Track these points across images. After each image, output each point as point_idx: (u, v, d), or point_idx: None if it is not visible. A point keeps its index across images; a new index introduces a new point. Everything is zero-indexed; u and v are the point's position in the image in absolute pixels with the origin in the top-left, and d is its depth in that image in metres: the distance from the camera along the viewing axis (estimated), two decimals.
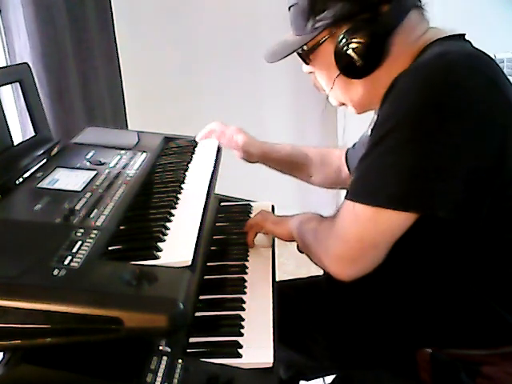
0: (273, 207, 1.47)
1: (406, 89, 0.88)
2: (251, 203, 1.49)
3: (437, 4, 2.51)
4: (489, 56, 0.93)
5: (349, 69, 0.98)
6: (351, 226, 0.91)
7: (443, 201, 0.85)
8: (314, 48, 1.02)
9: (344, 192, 0.97)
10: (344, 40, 0.96)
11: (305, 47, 1.03)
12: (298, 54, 1.05)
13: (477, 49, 0.95)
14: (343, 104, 1.10)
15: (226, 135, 1.42)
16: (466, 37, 1.00)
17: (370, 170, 0.91)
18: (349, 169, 1.38)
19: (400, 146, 0.87)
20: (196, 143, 1.41)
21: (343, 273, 0.93)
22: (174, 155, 1.33)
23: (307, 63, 1.06)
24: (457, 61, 0.88)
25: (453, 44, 0.96)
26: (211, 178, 1.19)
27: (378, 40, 0.95)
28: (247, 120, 2.56)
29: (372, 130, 0.94)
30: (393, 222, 0.88)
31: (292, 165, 1.46)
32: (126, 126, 2.37)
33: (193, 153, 1.34)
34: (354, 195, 0.92)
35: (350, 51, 0.95)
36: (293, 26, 1.05)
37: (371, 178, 0.90)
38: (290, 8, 1.04)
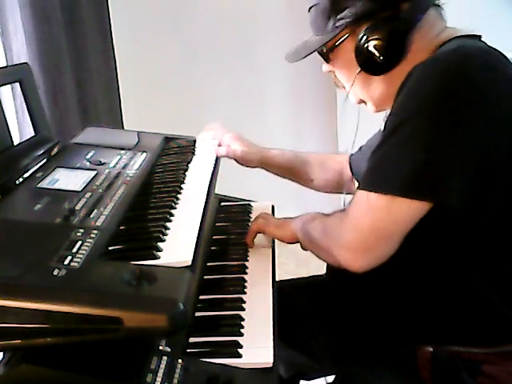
0: (273, 207, 1.47)
1: (421, 80, 0.90)
2: (251, 203, 1.49)
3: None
4: (504, 55, 0.95)
5: (369, 65, 1.00)
6: (365, 215, 0.91)
7: (456, 189, 0.86)
8: (335, 46, 1.04)
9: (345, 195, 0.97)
10: (365, 37, 0.98)
11: (326, 46, 1.05)
12: (319, 53, 1.07)
13: (492, 47, 0.97)
14: (362, 101, 1.12)
15: (222, 145, 1.39)
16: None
17: (383, 159, 0.91)
18: (352, 173, 1.38)
19: (413, 136, 0.88)
20: (196, 143, 1.40)
21: (356, 264, 0.92)
22: (174, 155, 1.33)
23: (328, 62, 1.08)
24: (472, 55, 0.90)
25: (469, 41, 0.98)
26: (211, 178, 1.19)
27: (399, 37, 0.97)
28: (246, 121, 2.56)
29: (385, 123, 0.95)
30: (406, 211, 0.88)
31: (292, 170, 1.46)
32: (122, 126, 2.37)
33: (193, 153, 1.34)
34: (368, 185, 0.92)
35: (370, 48, 0.98)
36: (313, 27, 1.07)
37: (385, 167, 0.91)
38: (310, 9, 1.07)
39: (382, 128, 1.04)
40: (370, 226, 0.90)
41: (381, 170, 0.91)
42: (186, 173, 1.20)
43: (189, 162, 1.27)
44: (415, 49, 0.99)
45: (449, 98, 0.86)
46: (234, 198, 1.53)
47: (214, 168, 1.26)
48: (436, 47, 0.99)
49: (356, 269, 0.92)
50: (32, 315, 0.71)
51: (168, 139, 1.43)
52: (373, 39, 0.97)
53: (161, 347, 0.87)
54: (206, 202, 1.06)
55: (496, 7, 2.71)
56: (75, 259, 0.78)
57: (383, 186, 0.89)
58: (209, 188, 1.13)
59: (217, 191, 1.28)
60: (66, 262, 0.77)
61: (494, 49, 0.96)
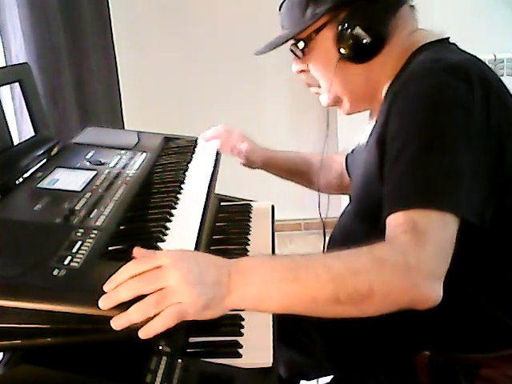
0: (273, 207, 1.47)
1: (412, 99, 0.89)
2: (251, 203, 1.49)
3: (437, 4, 2.52)
4: (479, 58, 0.96)
5: (352, 51, 0.99)
6: (442, 235, 0.80)
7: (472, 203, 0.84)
8: (312, 36, 1.03)
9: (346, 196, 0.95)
10: (348, 21, 0.98)
11: (302, 35, 1.03)
12: (293, 47, 1.06)
13: (466, 52, 0.98)
14: (334, 104, 1.11)
15: (229, 143, 1.40)
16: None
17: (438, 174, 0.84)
18: (349, 174, 1.37)
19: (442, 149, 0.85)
20: (196, 143, 1.41)
21: (437, 294, 0.78)
22: (174, 155, 1.33)
23: (303, 54, 1.06)
24: (460, 66, 0.90)
25: (444, 51, 0.98)
26: (211, 178, 1.19)
27: (382, 22, 0.98)
28: (247, 119, 2.55)
29: (379, 136, 0.94)
30: (455, 228, 0.82)
31: (294, 171, 1.46)
32: (123, 126, 2.37)
33: (193, 153, 1.34)
34: (420, 202, 0.81)
35: (354, 32, 0.97)
36: (287, 21, 1.06)
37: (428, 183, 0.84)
38: (281, 5, 1.06)
39: (365, 141, 1.04)
40: (444, 246, 0.80)
41: (426, 185, 0.83)
42: (186, 173, 1.20)
43: (189, 162, 1.27)
44: (393, 41, 0.99)
45: (442, 109, 0.86)
46: (234, 198, 1.53)
47: (214, 168, 1.26)
48: (407, 53, 0.99)
49: (435, 300, 0.78)
50: (32, 315, 0.71)
51: (168, 139, 1.43)
52: (357, 23, 0.97)
53: (160, 347, 0.87)
54: (206, 202, 1.06)
55: (496, 7, 2.71)
56: (75, 259, 0.78)
57: (439, 202, 0.81)
58: (209, 188, 1.13)
59: (217, 191, 1.28)
60: (66, 262, 0.77)
61: (468, 53, 0.97)
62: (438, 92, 0.87)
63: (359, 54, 1.00)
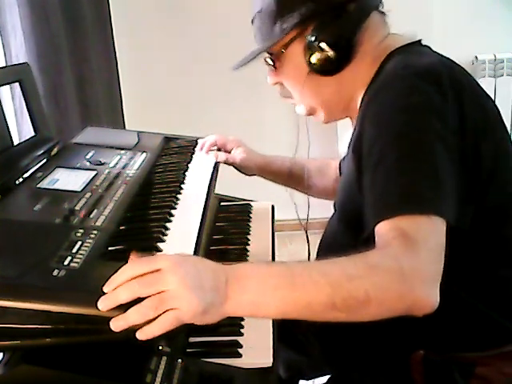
0: (273, 207, 1.47)
1: (385, 107, 0.89)
2: (251, 203, 1.49)
3: (437, 4, 2.52)
4: (451, 60, 0.97)
5: (321, 65, 0.99)
6: (433, 239, 0.80)
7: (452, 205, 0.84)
8: (282, 50, 1.03)
9: None
10: (315, 35, 0.98)
11: (273, 51, 1.04)
12: (266, 60, 1.07)
13: (438, 53, 0.99)
14: (311, 114, 1.12)
15: (225, 151, 1.39)
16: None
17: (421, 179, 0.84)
18: None
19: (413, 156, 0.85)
20: (196, 143, 1.41)
21: (434, 299, 0.76)
22: (174, 155, 1.33)
23: (275, 67, 1.07)
24: (431, 68, 0.91)
25: (414, 55, 0.98)
26: (211, 178, 1.19)
27: (348, 35, 0.98)
28: (246, 121, 2.55)
29: (355, 146, 0.95)
30: (444, 230, 0.82)
31: (290, 178, 1.45)
32: (124, 126, 2.37)
33: (193, 153, 1.34)
34: (423, 207, 0.81)
35: (322, 45, 0.98)
36: (258, 35, 1.06)
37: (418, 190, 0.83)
38: (253, 19, 1.06)
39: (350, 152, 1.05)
40: (437, 249, 0.79)
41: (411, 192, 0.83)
42: (186, 173, 1.20)
43: (189, 162, 1.27)
44: (363, 51, 1.00)
45: (419, 111, 0.87)
46: (233, 198, 1.53)
47: (214, 168, 1.26)
48: (381, 58, 0.99)
49: (432, 306, 0.77)
50: (32, 315, 0.71)
51: (168, 139, 1.44)
52: (324, 37, 0.97)
53: (160, 347, 0.87)
54: (206, 202, 1.06)
55: (495, 7, 2.71)
56: (75, 259, 0.78)
57: (435, 206, 0.81)
58: (209, 188, 1.13)
59: (217, 191, 1.28)
60: (66, 263, 0.77)
61: (440, 55, 0.98)
62: (410, 98, 0.87)
63: (327, 67, 1.00)
